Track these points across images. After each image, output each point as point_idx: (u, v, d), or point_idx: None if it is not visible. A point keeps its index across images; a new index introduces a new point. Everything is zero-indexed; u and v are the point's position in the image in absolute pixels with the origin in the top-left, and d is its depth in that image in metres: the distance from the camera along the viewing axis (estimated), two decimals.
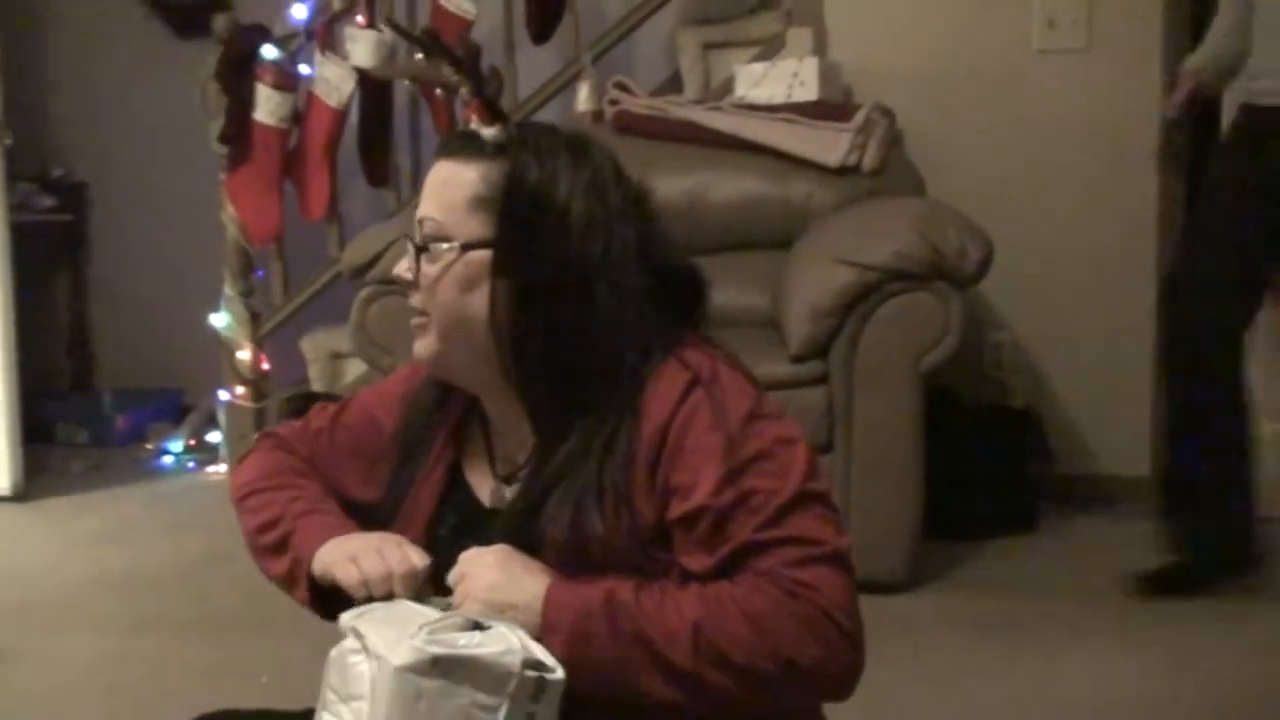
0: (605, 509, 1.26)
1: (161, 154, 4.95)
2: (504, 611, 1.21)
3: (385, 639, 1.16)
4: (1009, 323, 3.88)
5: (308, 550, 1.35)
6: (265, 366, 4.26)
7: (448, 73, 1.37)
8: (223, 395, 4.29)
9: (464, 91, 1.35)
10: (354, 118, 4.16)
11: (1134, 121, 3.77)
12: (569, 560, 1.26)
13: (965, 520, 3.43)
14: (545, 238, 1.30)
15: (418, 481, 1.41)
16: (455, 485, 1.41)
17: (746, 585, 1.21)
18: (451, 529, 1.38)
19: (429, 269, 1.32)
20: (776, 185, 3.52)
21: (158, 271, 5.04)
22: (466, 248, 1.31)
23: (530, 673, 1.15)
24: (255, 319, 4.25)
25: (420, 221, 1.34)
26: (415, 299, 1.35)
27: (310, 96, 4.13)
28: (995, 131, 3.85)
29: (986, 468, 3.53)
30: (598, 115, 3.86)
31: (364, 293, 3.33)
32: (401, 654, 1.14)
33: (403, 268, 1.35)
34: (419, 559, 1.30)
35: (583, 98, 3.90)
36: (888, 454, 2.99)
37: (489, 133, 1.32)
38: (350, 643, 1.19)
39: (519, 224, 1.30)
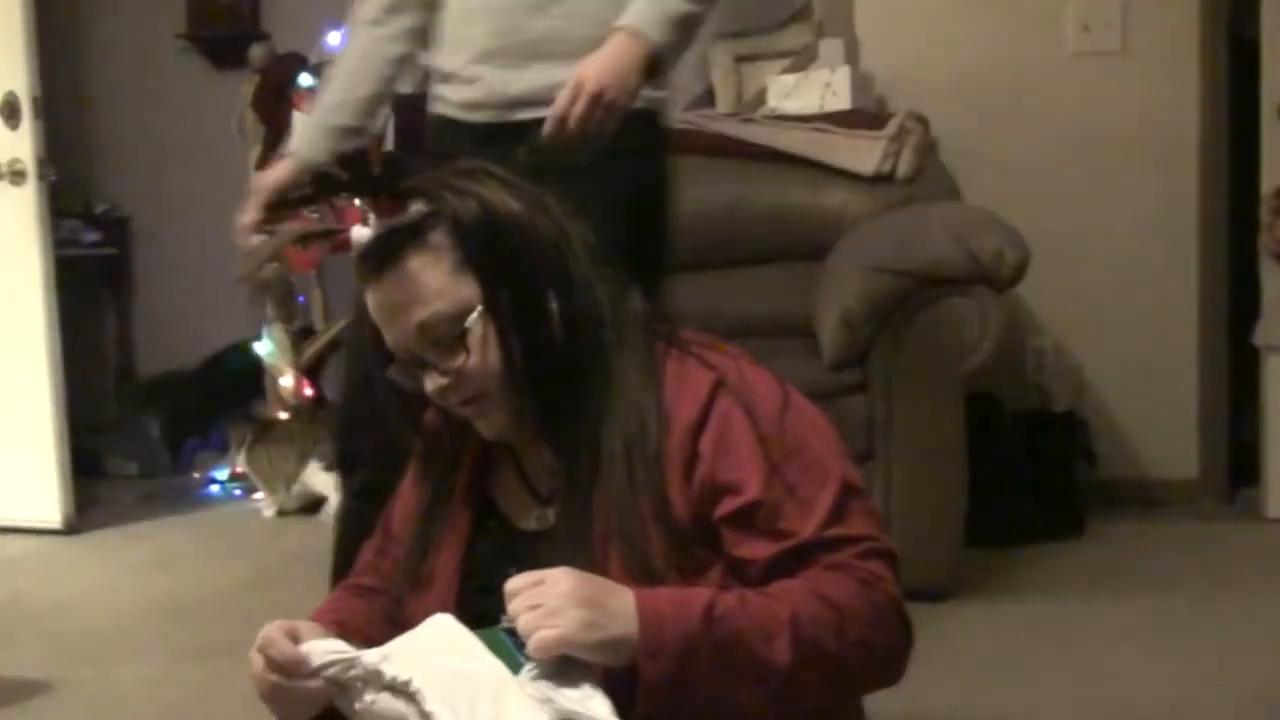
0: (642, 510, 1.26)
1: (202, 185, 5.00)
2: (606, 648, 1.16)
3: (467, 699, 1.14)
4: (1050, 328, 3.85)
5: None
6: (308, 391, 4.29)
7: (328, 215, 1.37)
8: None
9: (359, 204, 1.32)
10: (390, 144, 4.20)
11: (1171, 124, 3.75)
12: (626, 567, 1.25)
13: (1010, 526, 3.40)
14: (522, 258, 1.30)
15: (442, 522, 1.41)
16: (486, 519, 1.41)
17: (822, 577, 1.23)
18: (492, 558, 1.37)
19: (465, 357, 1.30)
20: (812, 195, 3.51)
21: (202, 301, 5.09)
22: (482, 310, 1.29)
23: None
24: (298, 345, 4.28)
25: (421, 328, 1.29)
26: (457, 396, 1.32)
27: None
28: (1030, 136, 3.83)
29: (1030, 473, 3.50)
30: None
31: None
32: (520, 699, 1.12)
33: (434, 385, 1.31)
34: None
35: None
36: (929, 461, 2.97)
37: (410, 216, 1.29)
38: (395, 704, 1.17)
39: (498, 256, 1.30)
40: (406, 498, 1.49)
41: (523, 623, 1.16)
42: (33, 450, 3.99)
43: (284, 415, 4.25)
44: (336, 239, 1.33)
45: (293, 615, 3.16)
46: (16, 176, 3.92)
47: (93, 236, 5.06)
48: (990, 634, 2.84)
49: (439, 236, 1.29)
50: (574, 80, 1.85)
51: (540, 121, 1.92)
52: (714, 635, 1.17)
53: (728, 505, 1.26)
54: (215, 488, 4.52)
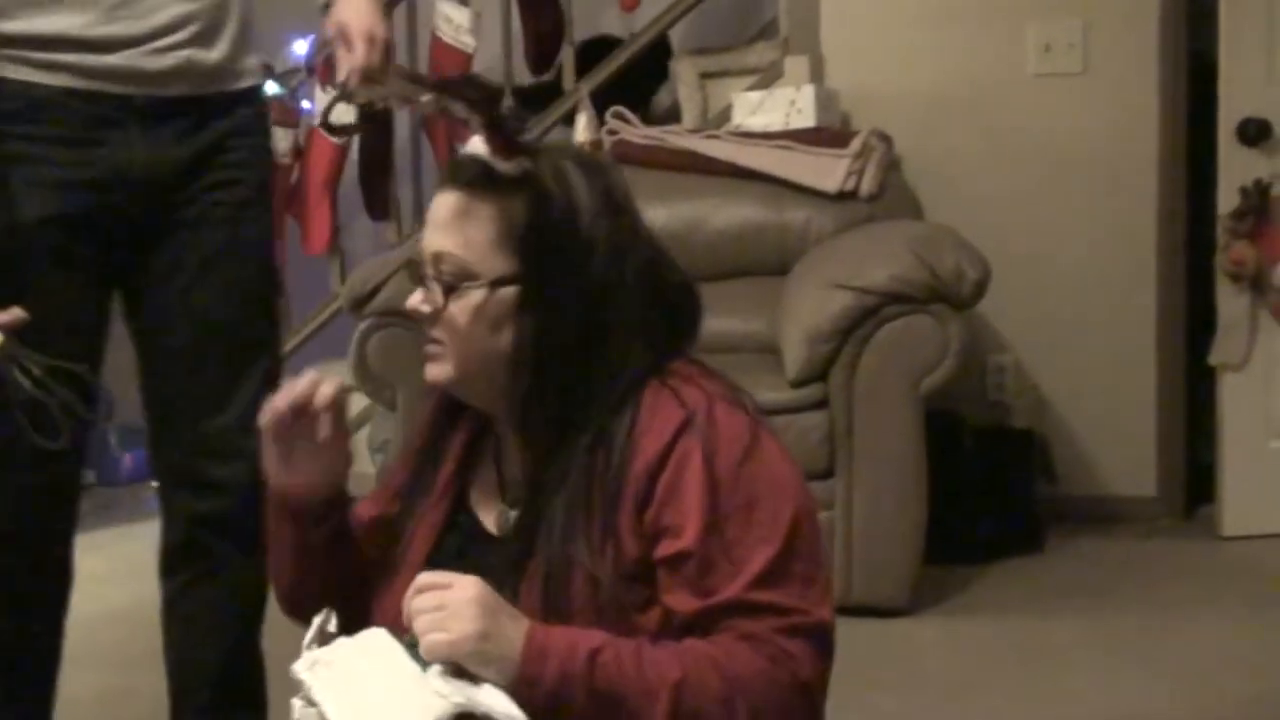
0: (593, 537, 1.26)
1: None
2: (489, 662, 1.17)
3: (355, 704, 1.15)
4: (1011, 345, 3.88)
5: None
6: None
7: (458, 108, 1.30)
8: None
9: (477, 124, 1.31)
10: (355, 152, 4.20)
11: (1131, 144, 3.78)
12: (556, 587, 1.26)
13: (970, 543, 3.42)
14: (571, 269, 1.29)
15: (421, 511, 1.41)
16: (459, 513, 1.41)
17: (728, 646, 1.21)
18: (453, 555, 1.38)
19: (451, 305, 1.30)
20: (775, 212, 3.53)
21: None
22: (495, 285, 1.29)
23: None
24: None
25: (437, 255, 1.31)
26: (426, 325, 1.33)
27: (311, 132, 4.16)
28: (992, 155, 3.86)
29: (990, 490, 3.52)
30: (596, 145, 3.88)
31: (363, 325, 3.34)
32: (423, 703, 1.12)
33: (417, 300, 1.33)
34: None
35: (581, 128, 3.92)
36: (890, 477, 2.99)
37: (507, 167, 1.29)
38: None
39: (546, 259, 1.29)
40: (395, 479, 1.49)
41: (420, 624, 1.17)
42: None
43: None
44: (458, 127, 1.33)
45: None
46: None
47: None
48: (950, 650, 2.85)
49: (513, 204, 1.29)
50: (359, 28, 1.73)
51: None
52: (593, 680, 1.18)
53: (664, 548, 1.25)
54: None
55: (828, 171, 3.50)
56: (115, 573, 3.64)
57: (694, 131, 3.82)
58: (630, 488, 1.26)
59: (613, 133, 3.82)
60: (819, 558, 1.29)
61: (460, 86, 1.33)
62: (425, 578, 1.21)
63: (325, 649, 1.23)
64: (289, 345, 4.28)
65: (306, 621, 1.28)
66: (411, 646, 1.19)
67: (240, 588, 1.96)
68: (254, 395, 1.78)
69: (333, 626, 1.26)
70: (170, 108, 1.84)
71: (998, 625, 3.00)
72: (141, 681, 2.77)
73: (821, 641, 1.24)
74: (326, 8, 1.75)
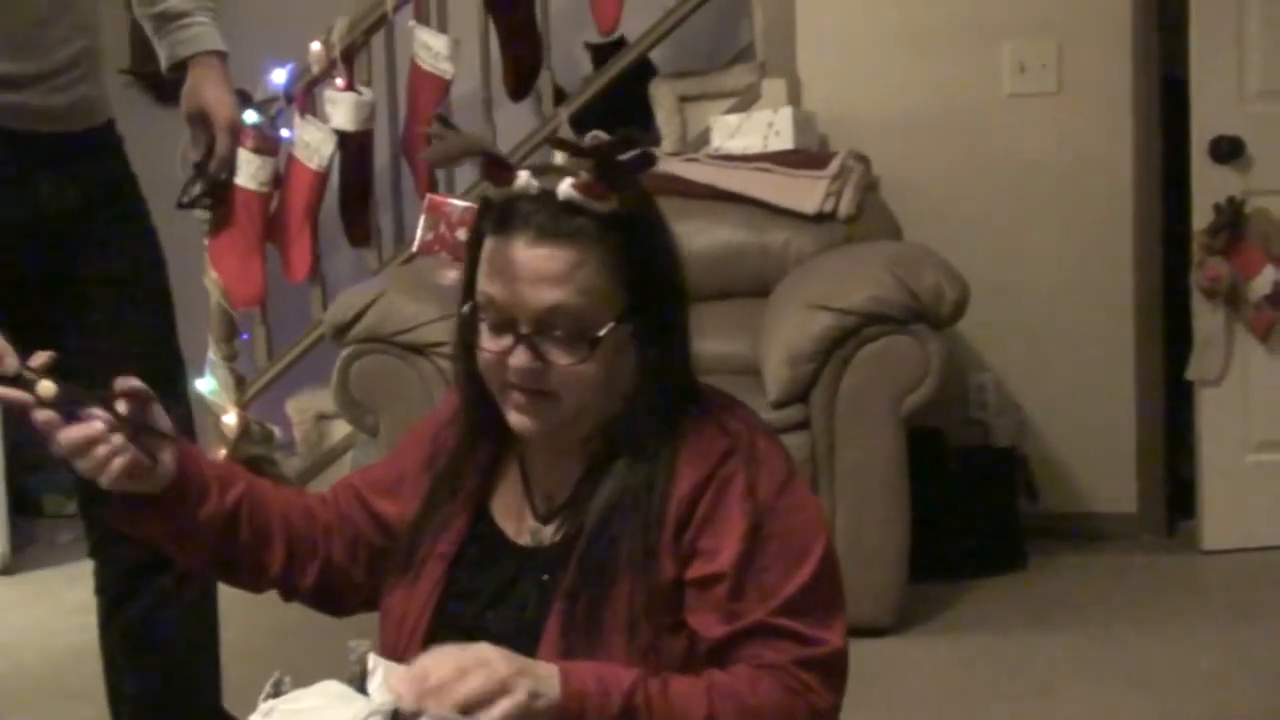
0: (633, 554, 1.28)
1: None
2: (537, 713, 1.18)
3: None
4: (991, 364, 3.90)
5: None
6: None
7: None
8: None
9: (583, 173, 1.28)
10: (335, 180, 4.20)
11: (1106, 162, 3.82)
12: (592, 602, 1.27)
13: (953, 561, 3.43)
14: (673, 290, 1.34)
15: (443, 518, 1.40)
16: (480, 523, 1.41)
17: (750, 677, 1.24)
18: (474, 564, 1.38)
19: (583, 359, 1.28)
20: (754, 234, 3.55)
21: None
22: (620, 322, 1.30)
23: None
24: (240, 383, 4.25)
25: (552, 310, 1.27)
26: (537, 384, 1.30)
27: (291, 160, 4.16)
28: (970, 175, 3.89)
29: (973, 508, 3.54)
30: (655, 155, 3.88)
31: (345, 352, 3.33)
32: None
33: (523, 362, 1.28)
34: None
35: (560, 155, 3.93)
36: (872, 497, 3.00)
37: (610, 206, 1.27)
38: None
39: (652, 287, 1.31)
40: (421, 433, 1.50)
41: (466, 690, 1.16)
42: None
43: (223, 453, 4.22)
44: (503, 174, 1.30)
45: (233, 656, 3.14)
46: None
47: None
48: (935, 669, 2.86)
49: (619, 240, 1.29)
50: (223, 119, 1.90)
51: None
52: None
53: (698, 569, 1.28)
54: None
55: (806, 193, 3.51)
56: (95, 603, 3.62)
57: (673, 154, 3.84)
58: (672, 509, 1.28)
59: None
60: (840, 588, 1.32)
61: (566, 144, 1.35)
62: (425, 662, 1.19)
63: (281, 699, 1.24)
64: (272, 373, 4.28)
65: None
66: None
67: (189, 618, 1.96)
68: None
69: (287, 685, 1.27)
70: (75, 142, 1.85)
71: (983, 643, 3.01)
72: None
73: (836, 672, 1.29)
74: (175, 69, 1.81)
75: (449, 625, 1.31)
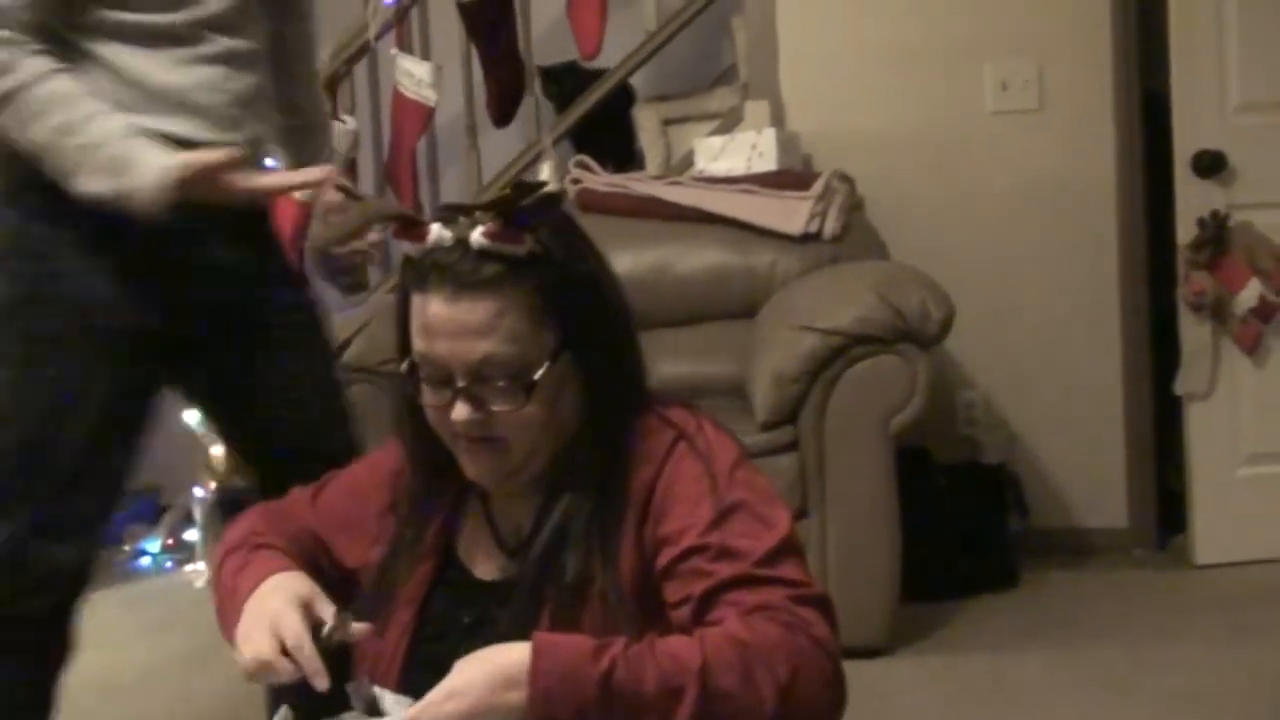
0: (602, 560, 1.28)
1: None
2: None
3: None
4: (978, 381, 3.90)
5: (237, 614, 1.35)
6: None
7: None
8: (199, 493, 4.27)
9: (490, 225, 1.28)
10: None
11: (1089, 178, 3.83)
12: (569, 616, 1.27)
13: (945, 580, 3.43)
14: (600, 317, 1.34)
15: (409, 563, 1.40)
16: (449, 568, 1.41)
17: (740, 622, 1.21)
18: (445, 606, 1.38)
19: (522, 404, 1.28)
20: (740, 255, 3.55)
21: None
22: (554, 360, 1.29)
23: None
24: None
25: (484, 361, 1.27)
26: (481, 431, 1.30)
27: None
28: (954, 193, 3.90)
29: (964, 526, 3.53)
30: (562, 194, 3.89)
31: None
32: None
33: (464, 415, 1.28)
34: (316, 615, 1.30)
35: (545, 176, 3.94)
36: (863, 517, 2.99)
37: (523, 249, 1.27)
38: None
39: (582, 317, 1.31)
40: (361, 481, 1.51)
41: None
42: None
43: (213, 485, 4.21)
44: (415, 231, 1.29)
45: (227, 693, 3.12)
46: None
47: None
48: (928, 688, 2.85)
49: (539, 280, 1.28)
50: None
51: None
52: (611, 700, 1.16)
53: (667, 555, 1.27)
54: (146, 560, 4.46)
55: (791, 214, 3.52)
56: (86, 639, 3.57)
57: (657, 177, 3.85)
58: (630, 506, 1.29)
59: (576, 181, 3.84)
60: (803, 555, 1.31)
61: (448, 209, 1.34)
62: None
63: None
64: None
65: None
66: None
67: None
68: None
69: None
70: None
71: (975, 662, 3.00)
72: None
73: (829, 609, 1.25)
74: None
75: (423, 666, 1.30)
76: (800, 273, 3.45)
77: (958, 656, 3.04)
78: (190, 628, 3.65)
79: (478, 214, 1.29)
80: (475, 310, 1.26)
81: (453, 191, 4.33)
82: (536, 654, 1.17)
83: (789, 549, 1.27)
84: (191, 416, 4.21)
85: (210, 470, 4.22)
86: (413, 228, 1.29)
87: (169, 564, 4.41)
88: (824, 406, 2.99)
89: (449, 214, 1.30)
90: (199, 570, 4.24)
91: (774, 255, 3.51)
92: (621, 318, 1.37)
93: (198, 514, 4.31)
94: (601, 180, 3.82)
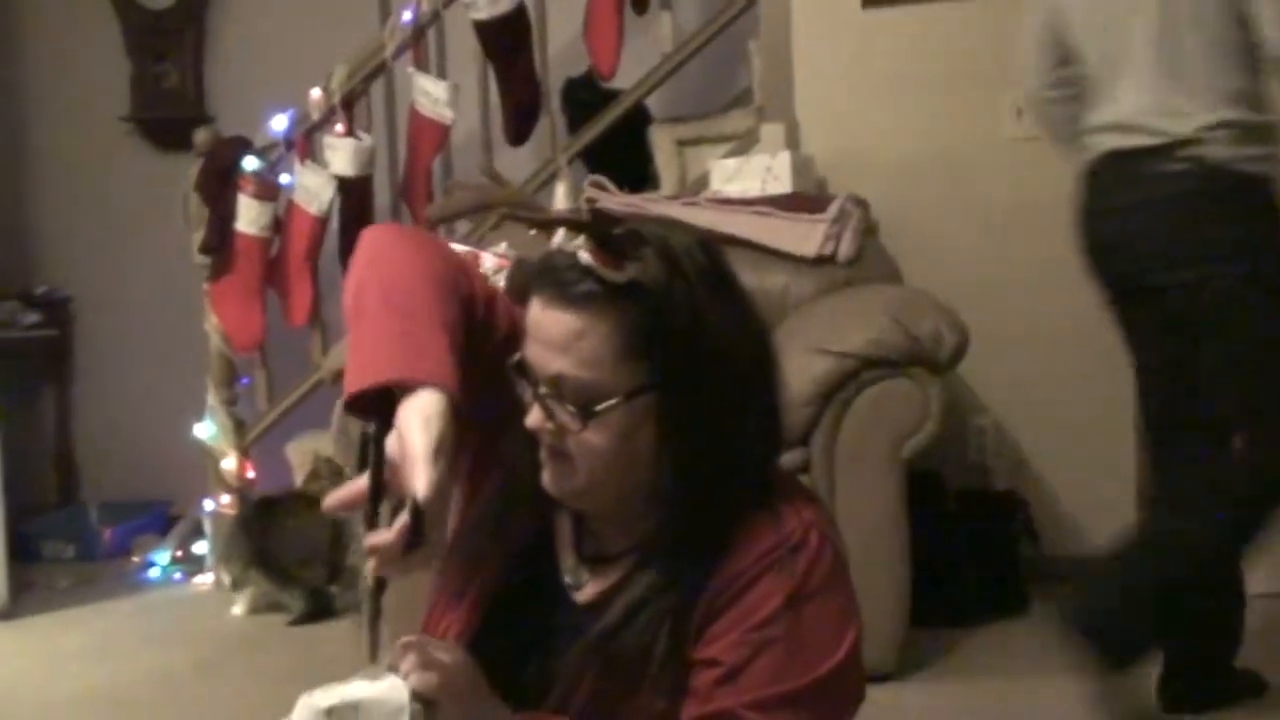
0: (660, 646, 1.26)
1: (144, 266, 4.99)
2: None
3: None
4: (990, 407, 3.89)
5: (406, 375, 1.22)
6: (251, 474, 4.25)
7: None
8: (209, 505, 4.28)
9: (580, 241, 1.23)
10: (335, 224, 4.21)
11: None
12: (609, 668, 1.27)
13: (955, 606, 3.41)
14: (701, 366, 1.24)
15: (498, 532, 1.36)
16: (537, 554, 1.37)
17: None
18: (517, 591, 1.35)
19: (579, 430, 1.24)
20: (753, 277, 3.53)
21: (142, 383, 5.05)
22: (629, 397, 1.23)
23: (416, 704, 1.17)
24: (240, 427, 4.25)
25: (558, 379, 1.24)
26: (548, 440, 1.27)
27: (291, 205, 4.18)
28: (969, 218, 3.89)
29: (974, 552, 3.52)
30: (575, 213, 3.90)
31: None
32: (298, 715, 1.16)
33: (539, 421, 1.26)
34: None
35: (560, 196, 3.95)
36: (872, 541, 2.98)
37: (620, 276, 1.21)
38: None
39: (676, 361, 1.23)
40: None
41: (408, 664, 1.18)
42: None
43: (226, 499, 4.21)
44: (542, 229, 1.27)
45: (235, 705, 3.14)
46: None
47: (32, 318, 5.01)
48: (936, 715, 2.84)
49: (633, 313, 1.22)
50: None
51: None
52: None
53: (699, 650, 1.25)
54: (155, 571, 4.46)
55: (805, 236, 3.52)
56: (95, 650, 3.62)
57: (672, 198, 3.85)
58: (703, 602, 1.25)
59: (591, 200, 3.85)
60: (842, 699, 1.28)
61: (557, 215, 1.29)
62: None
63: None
64: (271, 417, 4.28)
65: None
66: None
67: None
68: None
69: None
70: None
71: (986, 689, 2.99)
72: None
73: None
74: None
75: (484, 652, 1.28)
76: (813, 295, 3.45)
77: (967, 683, 3.03)
78: (196, 641, 3.66)
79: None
80: (560, 324, 1.23)
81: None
82: None
83: (801, 700, 1.23)
84: (203, 429, 4.22)
85: (220, 482, 4.23)
86: (544, 228, 1.27)
87: (178, 575, 4.41)
88: (836, 430, 2.98)
89: (578, 221, 1.25)
90: (207, 581, 4.25)
91: (787, 278, 3.51)
92: (738, 385, 1.26)
93: (207, 526, 4.31)
94: (616, 200, 3.83)
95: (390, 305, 1.26)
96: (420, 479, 1.16)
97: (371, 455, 1.19)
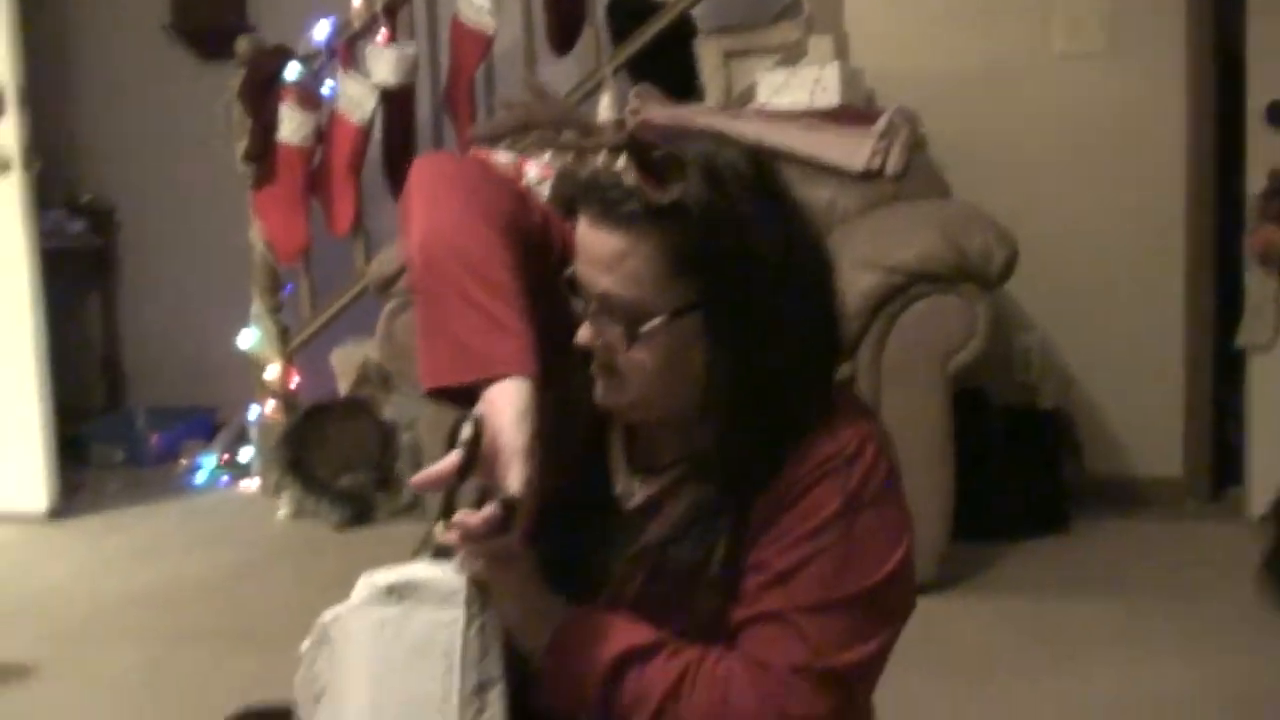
0: (711, 541, 1.27)
1: (188, 175, 5.00)
2: (514, 617, 1.24)
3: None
4: (1038, 324, 3.87)
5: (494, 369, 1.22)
6: (295, 381, 4.29)
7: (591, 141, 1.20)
8: (254, 411, 4.32)
9: (623, 161, 1.21)
10: (377, 134, 4.20)
11: (1158, 124, 3.77)
12: (659, 577, 1.28)
13: (997, 522, 3.42)
14: (749, 282, 1.22)
15: (564, 443, 1.35)
16: (589, 462, 1.38)
17: (733, 673, 1.22)
18: (566, 493, 1.34)
19: (622, 345, 1.24)
20: (800, 191, 3.51)
21: (188, 291, 5.08)
22: (675, 316, 1.22)
23: (472, 588, 1.19)
24: (285, 334, 4.28)
25: (605, 296, 1.23)
26: (596, 357, 1.27)
27: (333, 114, 4.17)
28: (1018, 134, 3.85)
29: (1017, 469, 3.52)
30: (619, 124, 3.87)
31: (390, 305, 3.35)
32: (358, 593, 1.19)
33: (589, 337, 1.26)
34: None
35: (604, 107, 3.91)
36: (917, 456, 2.96)
37: (664, 196, 1.19)
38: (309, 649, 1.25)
39: (724, 279, 1.21)
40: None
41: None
42: (19, 437, 3.99)
43: (271, 406, 4.25)
44: (582, 155, 1.25)
45: (280, 602, 3.19)
46: (1, 166, 3.91)
47: (78, 227, 5.04)
48: (976, 628, 2.85)
49: (677, 233, 1.20)
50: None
51: None
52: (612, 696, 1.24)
53: (750, 555, 1.26)
54: (201, 476, 4.51)
55: (853, 150, 3.49)
56: (143, 551, 3.68)
57: (718, 110, 3.81)
58: (757, 509, 1.25)
59: (635, 111, 3.82)
60: (882, 622, 1.27)
61: (594, 131, 1.26)
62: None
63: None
64: (315, 325, 4.30)
65: None
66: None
67: None
68: None
69: None
70: None
71: (1022, 604, 3.00)
72: (176, 657, 2.81)
73: (837, 687, 1.23)
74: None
75: (536, 554, 1.29)
76: (859, 210, 3.43)
77: (1005, 597, 3.04)
78: (241, 543, 3.71)
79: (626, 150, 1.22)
80: (604, 244, 1.22)
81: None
82: (573, 627, 1.26)
83: (850, 608, 1.23)
84: (247, 336, 4.25)
85: (264, 389, 4.26)
86: (582, 151, 1.25)
87: (223, 480, 4.46)
88: (882, 345, 2.97)
89: (621, 140, 1.24)
90: (252, 486, 4.30)
91: (833, 192, 3.49)
92: (789, 300, 1.24)
93: (252, 432, 4.35)
94: (661, 111, 3.80)
95: (469, 284, 1.25)
96: (515, 476, 1.17)
97: (463, 440, 1.18)
